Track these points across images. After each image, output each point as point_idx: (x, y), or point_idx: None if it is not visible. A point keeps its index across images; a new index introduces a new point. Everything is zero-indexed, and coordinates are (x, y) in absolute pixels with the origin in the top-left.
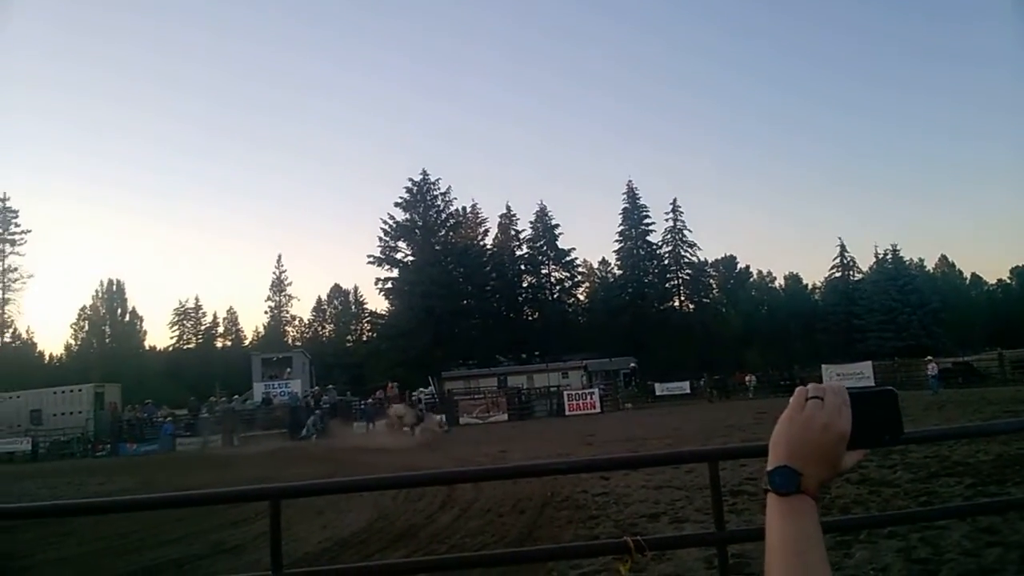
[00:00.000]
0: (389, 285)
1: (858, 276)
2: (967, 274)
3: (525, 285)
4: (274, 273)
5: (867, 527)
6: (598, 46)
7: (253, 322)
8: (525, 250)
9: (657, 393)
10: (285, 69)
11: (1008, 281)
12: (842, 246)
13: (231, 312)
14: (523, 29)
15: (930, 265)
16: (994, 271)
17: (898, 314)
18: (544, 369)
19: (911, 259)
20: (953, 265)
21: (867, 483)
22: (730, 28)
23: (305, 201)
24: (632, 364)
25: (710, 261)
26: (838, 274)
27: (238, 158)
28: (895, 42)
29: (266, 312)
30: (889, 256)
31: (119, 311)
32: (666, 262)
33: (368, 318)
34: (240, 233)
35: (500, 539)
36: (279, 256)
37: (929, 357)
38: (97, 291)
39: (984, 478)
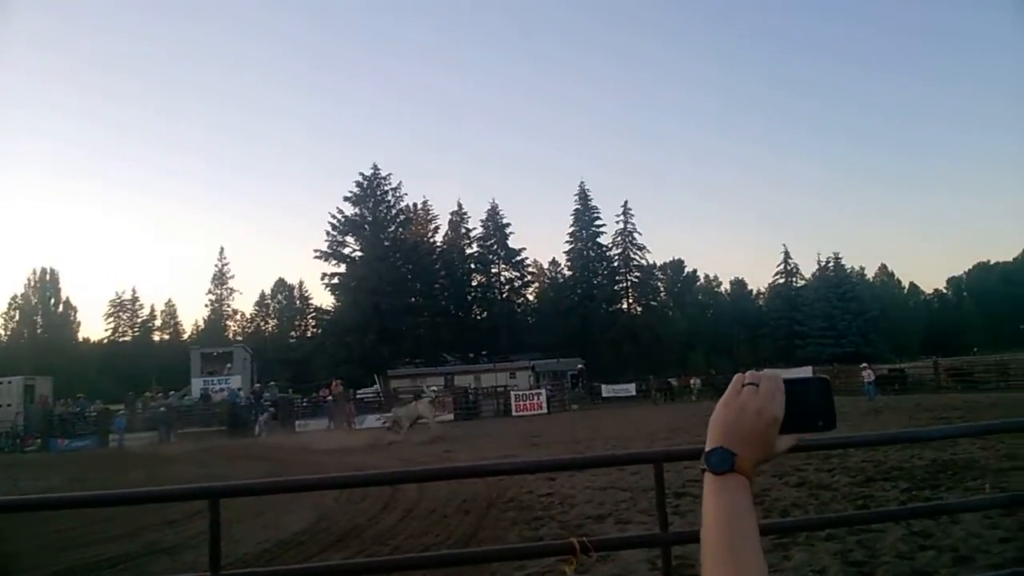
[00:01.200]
0: (336, 280)
1: (801, 282)
2: (905, 283)
3: (474, 284)
4: (216, 265)
5: (805, 529)
6: (553, 48)
7: (192, 315)
8: (475, 248)
9: (604, 395)
10: (233, 57)
11: (944, 291)
12: (786, 253)
13: (170, 305)
14: (479, 26)
15: (870, 273)
16: (931, 281)
17: (838, 321)
18: (492, 369)
19: (852, 267)
20: (892, 274)
21: (806, 486)
22: (681, 36)
23: (250, 192)
24: (580, 365)
25: (659, 264)
26: (782, 280)
27: (181, 145)
28: (837, 55)
29: (206, 305)
30: (831, 264)
31: (52, 301)
32: (616, 264)
33: (313, 314)
34: (181, 223)
35: (445, 540)
36: (221, 248)
37: (864, 364)
38: (29, 279)
39: (919, 483)
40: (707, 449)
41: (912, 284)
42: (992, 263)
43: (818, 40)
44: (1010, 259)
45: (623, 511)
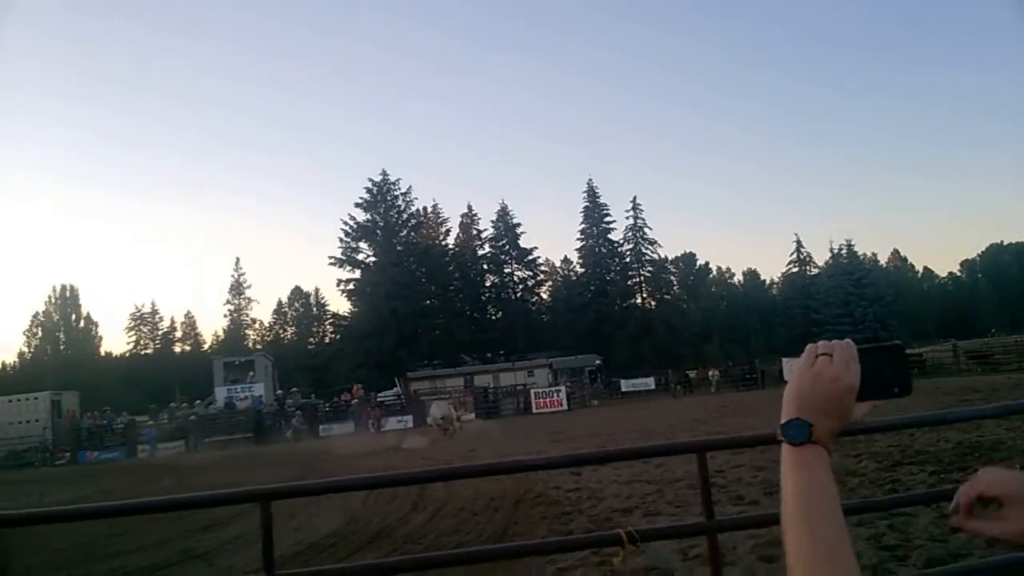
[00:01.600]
0: (351, 287)
1: (814, 271)
2: (919, 268)
3: (488, 284)
4: (232, 276)
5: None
6: (558, 47)
7: (212, 326)
8: (487, 249)
9: (623, 389)
10: (243, 68)
11: (959, 274)
12: (798, 242)
13: (189, 316)
14: (483, 29)
15: (883, 259)
16: (945, 264)
17: (854, 307)
18: (510, 368)
19: (865, 254)
20: (905, 259)
21: (833, 472)
22: (687, 29)
23: (263, 203)
24: (597, 361)
25: (670, 258)
26: (795, 269)
27: (194, 158)
28: (846, 43)
29: (225, 316)
30: (844, 251)
31: (73, 317)
32: (627, 260)
33: (330, 320)
34: (197, 236)
35: (476, 537)
36: (237, 259)
37: None
38: (50, 297)
39: (946, 466)
40: (783, 420)
41: (926, 268)
42: (1006, 244)
43: (825, 27)
44: None
45: (650, 503)
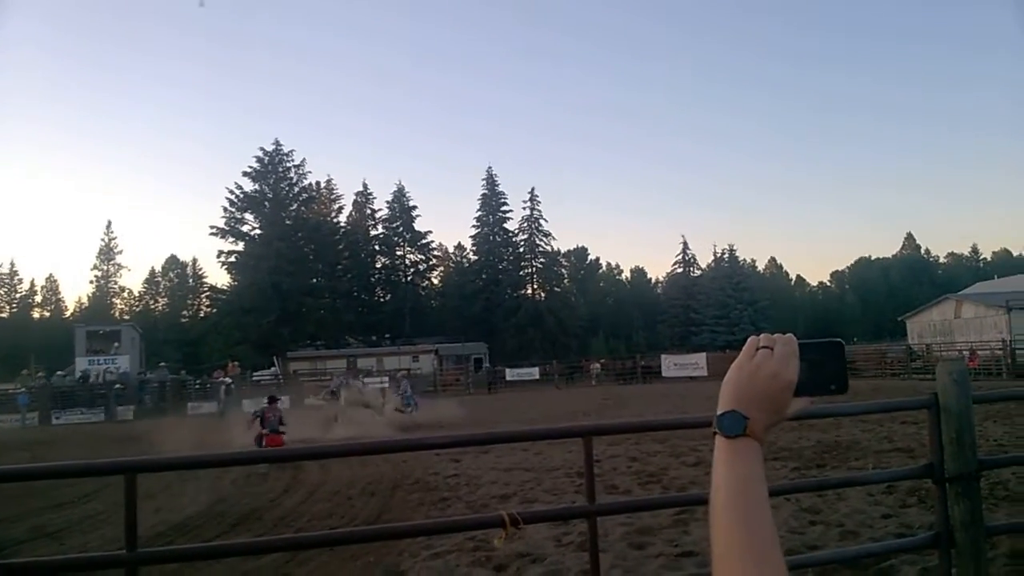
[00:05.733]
0: (233, 259)
1: (698, 272)
2: (793, 275)
3: (379, 266)
4: (102, 240)
5: (704, 503)
6: (460, 31)
7: (76, 292)
8: (381, 230)
9: (507, 378)
10: (123, 18)
11: (829, 284)
12: (684, 243)
13: (51, 280)
14: (392, 3)
15: (761, 266)
16: (816, 274)
17: (731, 309)
18: (395, 352)
19: (745, 259)
20: (781, 267)
21: (702, 465)
22: (587, 27)
23: (142, 164)
24: (484, 349)
25: (563, 251)
26: (680, 269)
27: (66, 109)
28: (743, 46)
29: (92, 282)
30: (726, 255)
31: None
32: (521, 250)
33: (207, 292)
34: (65, 194)
35: (350, 522)
36: (109, 222)
37: None
38: None
39: (806, 462)
40: (719, 412)
41: (799, 277)
42: (873, 258)
43: (719, 26)
44: (889, 255)
45: (528, 491)
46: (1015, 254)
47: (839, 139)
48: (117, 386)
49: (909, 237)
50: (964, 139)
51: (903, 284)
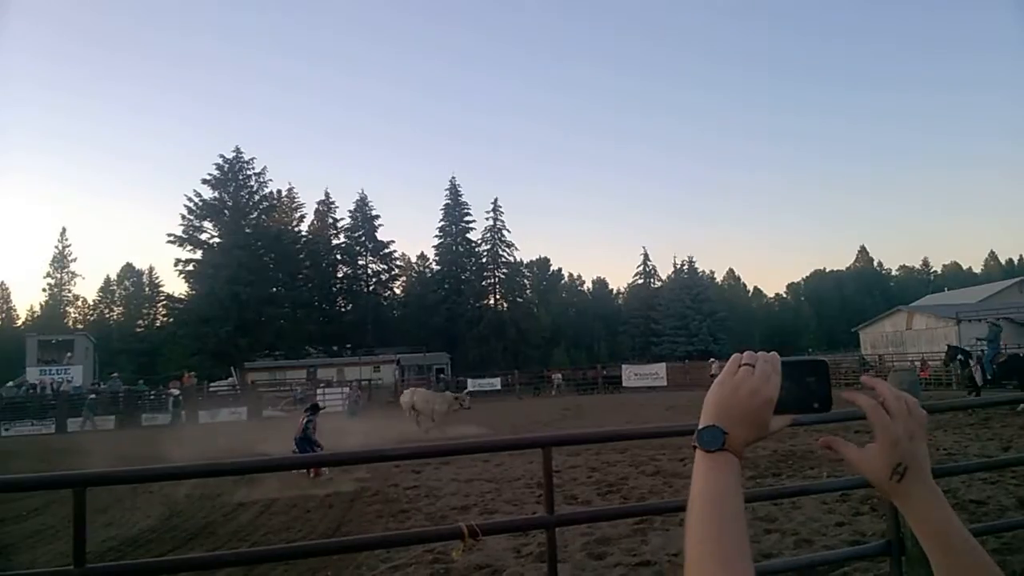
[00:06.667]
0: (191, 268)
1: (658, 284)
2: (750, 287)
3: (340, 275)
4: (56, 247)
5: (662, 513)
6: (422, 41)
7: (28, 300)
8: (342, 239)
9: (469, 389)
10: (83, 18)
11: (785, 296)
12: (645, 255)
13: (2, 287)
14: (354, 16)
15: (720, 277)
16: (773, 286)
17: (690, 320)
18: (356, 362)
19: (704, 271)
20: (739, 278)
21: (661, 474)
22: (548, 38)
23: (97, 169)
24: (447, 360)
25: (526, 262)
26: (640, 281)
27: (17, 109)
28: (721, 55)
29: (44, 290)
30: (686, 267)
31: None
32: (484, 260)
33: (164, 302)
34: (17, 199)
35: (307, 535)
36: (63, 228)
37: (713, 360)
38: None
39: (762, 471)
40: (700, 427)
41: (756, 288)
42: (827, 271)
43: (674, 45)
44: (843, 267)
45: (489, 501)
46: (965, 267)
47: (797, 153)
48: (71, 395)
49: (863, 250)
50: (916, 155)
51: (856, 296)
